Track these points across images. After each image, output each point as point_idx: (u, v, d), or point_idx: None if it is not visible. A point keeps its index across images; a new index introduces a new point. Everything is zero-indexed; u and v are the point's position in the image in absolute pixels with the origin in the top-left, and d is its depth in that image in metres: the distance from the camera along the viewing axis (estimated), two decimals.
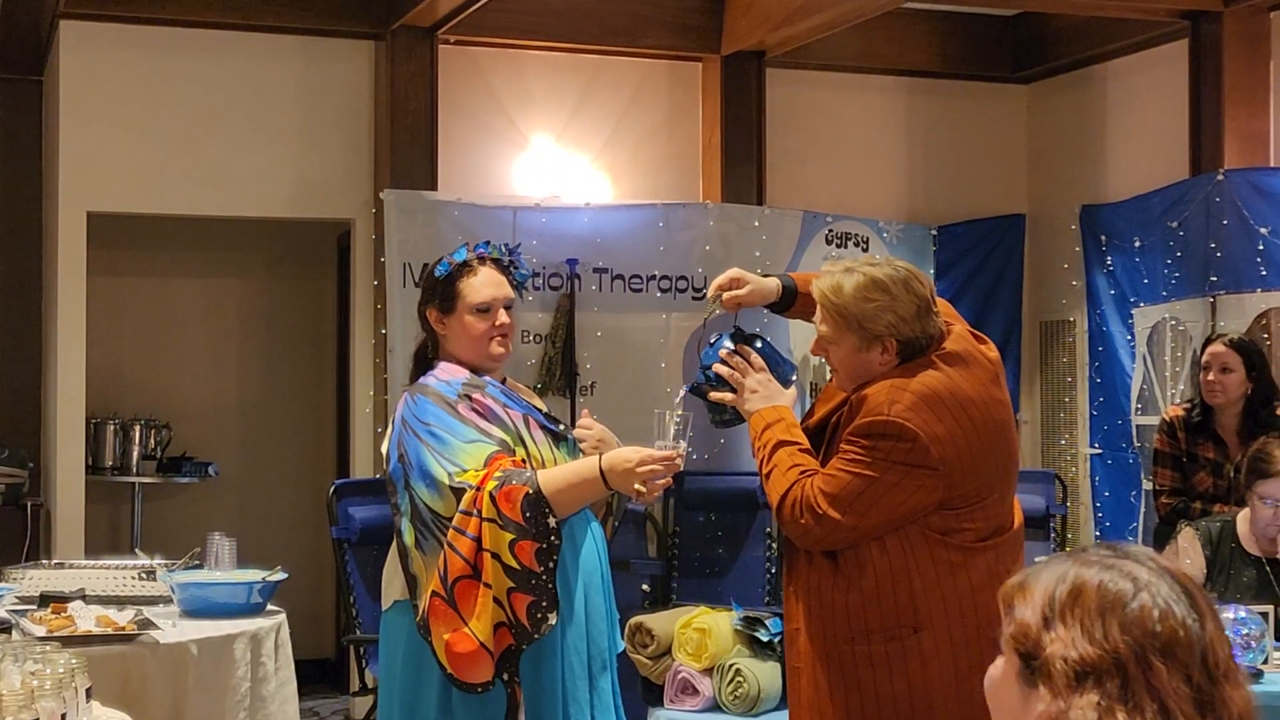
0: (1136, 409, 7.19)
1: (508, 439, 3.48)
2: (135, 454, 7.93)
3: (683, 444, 3.38)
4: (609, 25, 7.53)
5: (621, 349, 7.12)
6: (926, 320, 3.19)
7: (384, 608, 3.57)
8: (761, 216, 7.43)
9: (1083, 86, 8.04)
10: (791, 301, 3.52)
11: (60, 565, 5.12)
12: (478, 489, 3.35)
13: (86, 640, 4.03)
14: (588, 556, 3.52)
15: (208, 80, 7.14)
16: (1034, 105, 8.40)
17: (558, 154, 7.56)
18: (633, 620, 4.39)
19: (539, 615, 3.33)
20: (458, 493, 3.36)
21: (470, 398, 3.50)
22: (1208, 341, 5.89)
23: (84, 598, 4.50)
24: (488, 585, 3.33)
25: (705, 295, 3.55)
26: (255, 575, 4.78)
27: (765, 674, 4.15)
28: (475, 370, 3.59)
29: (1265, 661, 4.19)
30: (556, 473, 3.43)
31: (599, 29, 7.52)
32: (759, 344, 3.45)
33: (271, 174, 7.23)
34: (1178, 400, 6.57)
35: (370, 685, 5.92)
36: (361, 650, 5.89)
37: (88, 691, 3.06)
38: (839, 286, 3.19)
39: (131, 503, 7.97)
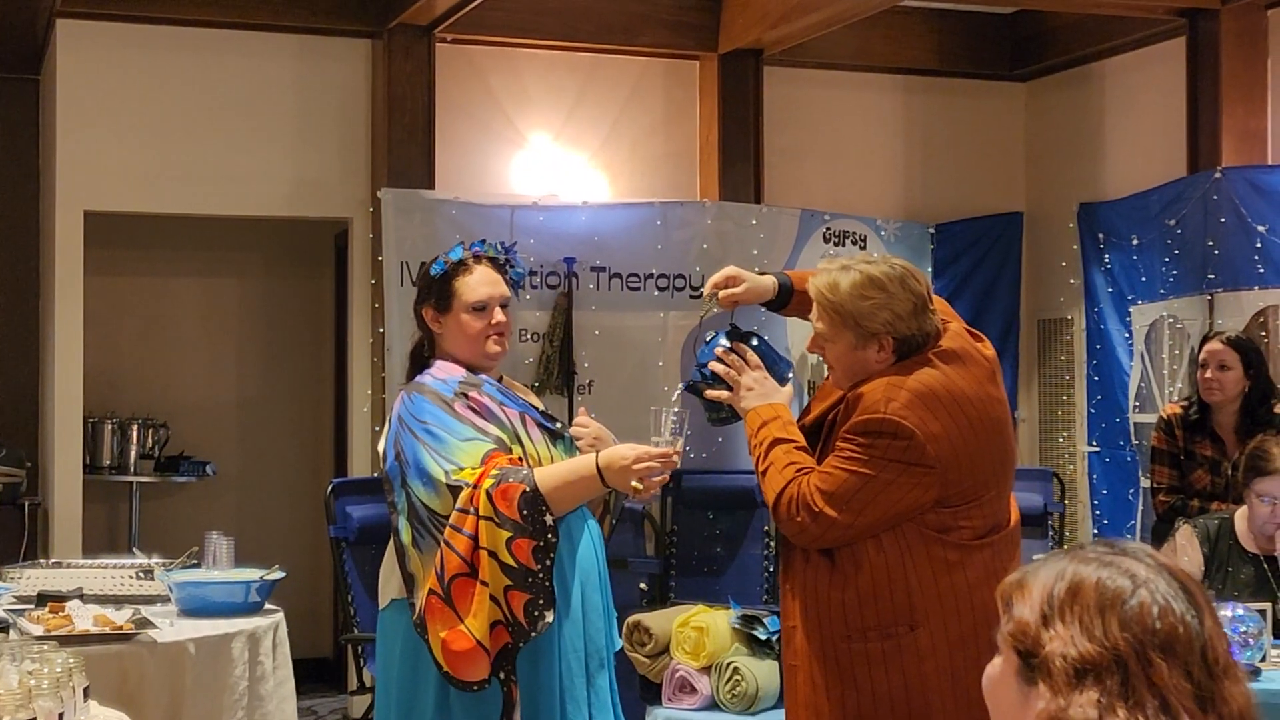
0: (1134, 407, 7.19)
1: (504, 437, 3.48)
2: (133, 453, 7.93)
3: (679, 441, 3.38)
4: (606, 24, 7.53)
5: (619, 348, 7.12)
6: (923, 318, 3.18)
7: (381, 606, 3.57)
8: (759, 215, 7.43)
9: (1080, 84, 8.04)
10: (788, 299, 3.51)
11: (58, 564, 5.11)
12: (475, 487, 3.35)
13: (84, 639, 4.03)
14: (585, 554, 3.52)
15: (205, 79, 7.14)
16: (1032, 103, 8.40)
17: (555, 152, 7.55)
18: (631, 619, 4.40)
19: (536, 613, 3.33)
20: (454, 491, 3.36)
21: (467, 396, 3.50)
22: (1205, 339, 5.89)
23: (81, 597, 4.50)
24: (485, 583, 3.32)
25: (702, 293, 3.55)
26: (253, 574, 4.78)
27: (763, 672, 4.15)
28: (471, 369, 3.59)
29: (1263, 659, 4.18)
30: (553, 470, 3.43)
31: (596, 27, 7.52)
32: (755, 341, 3.45)
33: (269, 173, 7.22)
34: (1175, 398, 6.56)
35: (368, 684, 5.92)
36: (359, 649, 5.89)
37: (85, 691, 3.06)
38: (835, 284, 3.19)
39: (129, 502, 7.97)
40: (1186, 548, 4.73)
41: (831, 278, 3.21)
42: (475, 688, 3.35)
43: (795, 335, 6.73)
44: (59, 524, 7.00)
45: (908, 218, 8.05)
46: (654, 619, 4.41)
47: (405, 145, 7.13)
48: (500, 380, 3.67)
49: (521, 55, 7.55)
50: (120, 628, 4.19)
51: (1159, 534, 5.63)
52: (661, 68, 7.80)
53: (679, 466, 3.45)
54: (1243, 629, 4.16)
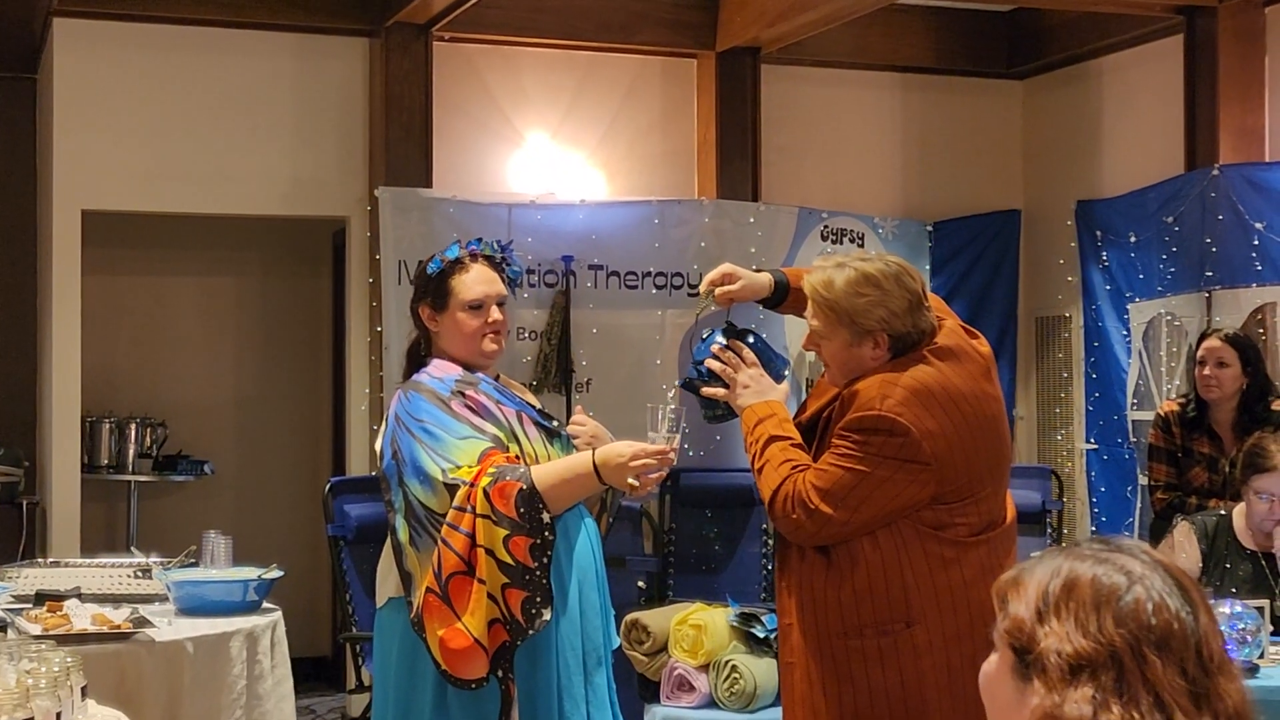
0: (1132, 404, 7.20)
1: (501, 435, 3.48)
2: (131, 452, 7.91)
3: (676, 438, 3.38)
4: (604, 22, 7.53)
5: (617, 346, 7.12)
6: (918, 315, 3.19)
7: (378, 605, 3.57)
8: (757, 213, 7.43)
9: (1078, 82, 8.04)
10: (784, 296, 3.51)
11: (56, 563, 5.11)
12: (472, 485, 3.35)
13: (82, 638, 4.03)
14: (582, 552, 3.52)
15: (202, 78, 7.13)
16: (1029, 101, 8.40)
17: (553, 151, 7.55)
18: (629, 617, 4.39)
19: (533, 611, 3.33)
20: (451, 489, 3.36)
21: (464, 394, 3.50)
22: (1203, 336, 5.89)
23: (79, 596, 4.50)
24: (482, 581, 3.32)
25: (699, 291, 3.55)
26: (251, 573, 4.77)
27: (761, 670, 4.14)
28: (468, 367, 3.59)
29: (1261, 656, 4.18)
30: (550, 468, 3.43)
31: (594, 25, 7.52)
32: (751, 339, 3.45)
33: (266, 172, 7.22)
34: (1173, 395, 6.57)
35: (366, 683, 5.91)
36: (358, 648, 5.89)
37: (83, 690, 3.06)
38: (830, 281, 3.19)
39: (127, 501, 7.96)
40: (1184, 545, 4.73)
41: (826, 275, 3.21)
42: (473, 686, 3.35)
43: (794, 333, 6.73)
44: (57, 523, 7.00)
45: (905, 215, 8.05)
46: (652, 617, 4.40)
47: (403, 144, 7.12)
48: (497, 378, 3.67)
49: (519, 54, 7.55)
50: (118, 627, 4.19)
51: (1157, 531, 5.63)
52: (659, 66, 7.80)
53: (676, 464, 3.45)
54: (1240, 626, 4.16)
